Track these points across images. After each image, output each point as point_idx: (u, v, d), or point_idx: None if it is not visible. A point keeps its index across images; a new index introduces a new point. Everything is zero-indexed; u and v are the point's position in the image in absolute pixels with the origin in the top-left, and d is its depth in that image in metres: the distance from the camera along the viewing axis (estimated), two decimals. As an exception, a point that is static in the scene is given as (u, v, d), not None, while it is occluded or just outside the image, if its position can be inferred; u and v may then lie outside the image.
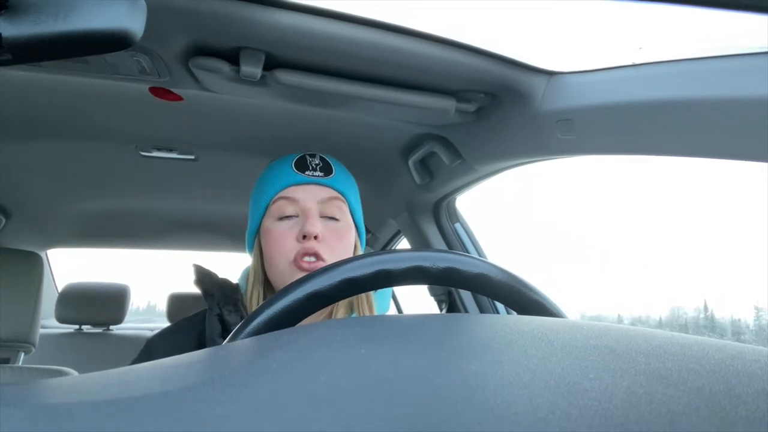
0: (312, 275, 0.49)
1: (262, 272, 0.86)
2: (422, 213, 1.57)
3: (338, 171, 0.88)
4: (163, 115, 1.18)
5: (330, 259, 0.81)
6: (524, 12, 0.86)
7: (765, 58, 0.65)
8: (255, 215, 0.87)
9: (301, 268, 0.79)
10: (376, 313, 0.88)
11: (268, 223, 0.84)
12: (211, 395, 0.23)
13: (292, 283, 0.49)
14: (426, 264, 0.51)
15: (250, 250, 0.90)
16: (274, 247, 0.82)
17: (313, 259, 0.80)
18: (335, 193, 0.85)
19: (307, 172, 0.85)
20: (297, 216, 0.84)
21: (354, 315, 0.86)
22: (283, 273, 0.81)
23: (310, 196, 0.84)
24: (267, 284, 0.87)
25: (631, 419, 0.20)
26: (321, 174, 0.85)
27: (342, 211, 0.86)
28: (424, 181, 1.40)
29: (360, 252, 0.91)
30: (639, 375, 0.24)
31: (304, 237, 0.80)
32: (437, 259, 0.52)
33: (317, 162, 0.87)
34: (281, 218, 0.83)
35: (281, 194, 0.84)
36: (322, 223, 0.83)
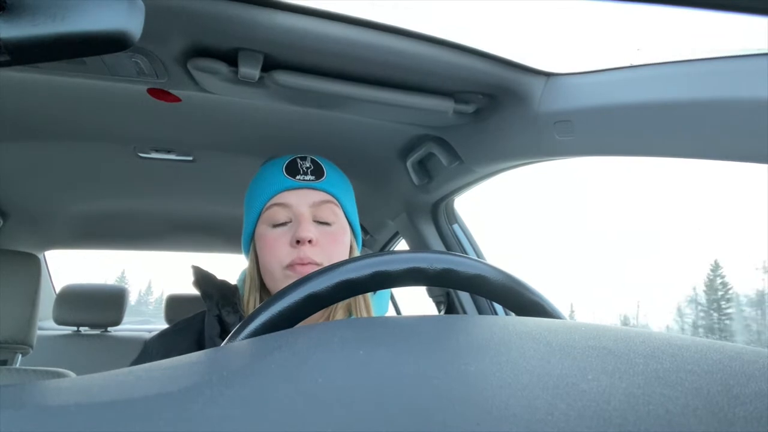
0: (309, 277, 0.49)
1: (258, 278, 0.86)
2: (420, 214, 1.57)
3: (330, 173, 0.87)
4: (161, 116, 1.18)
5: (325, 263, 0.81)
6: (522, 13, 0.86)
7: (763, 60, 0.66)
8: (249, 221, 0.87)
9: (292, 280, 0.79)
10: (374, 315, 0.88)
11: (262, 229, 0.84)
12: (210, 396, 0.23)
13: (290, 284, 0.49)
14: (423, 265, 0.51)
15: (247, 254, 0.90)
16: (268, 253, 0.82)
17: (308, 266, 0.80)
18: (327, 197, 0.85)
19: (298, 177, 0.84)
20: (290, 221, 0.83)
21: (352, 317, 0.86)
22: (278, 279, 0.81)
23: (302, 200, 0.83)
24: (264, 289, 0.87)
25: (630, 420, 0.20)
26: (312, 178, 0.85)
27: (335, 214, 0.85)
28: (422, 183, 1.40)
29: (356, 253, 0.91)
30: (637, 376, 0.24)
31: (298, 242, 0.80)
32: (434, 260, 0.52)
33: (308, 165, 0.86)
34: (274, 225, 0.83)
35: (273, 200, 0.83)
36: (316, 227, 0.83)
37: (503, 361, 0.26)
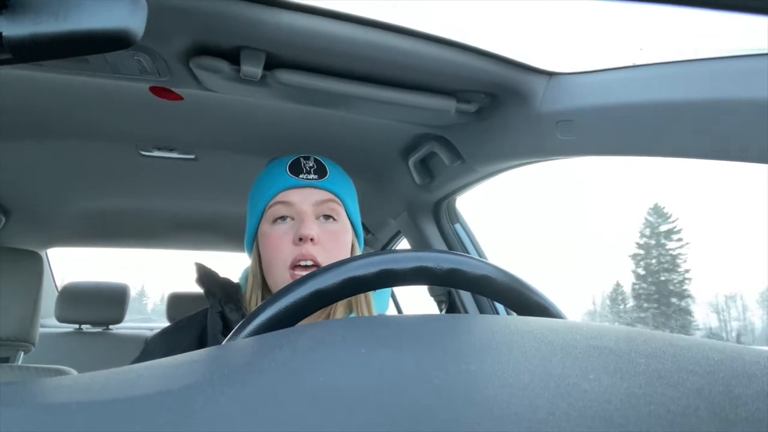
0: (316, 273, 0.49)
1: (260, 276, 0.86)
2: (422, 213, 1.57)
3: (333, 172, 0.88)
4: (163, 114, 1.18)
5: (327, 262, 0.81)
6: (525, 12, 0.86)
7: (765, 60, 0.65)
8: (252, 219, 0.88)
9: (295, 278, 0.79)
10: (374, 313, 0.88)
11: (265, 227, 0.85)
12: (211, 395, 0.23)
13: (297, 280, 0.49)
14: (431, 264, 0.51)
15: (249, 252, 0.91)
16: (271, 251, 0.83)
17: (310, 263, 0.80)
18: (330, 196, 0.85)
19: (301, 176, 0.85)
20: (293, 219, 0.84)
21: (353, 315, 0.86)
22: (279, 278, 0.81)
23: (304, 199, 0.84)
24: (266, 288, 0.87)
25: (631, 420, 0.20)
26: (315, 177, 0.85)
27: (338, 213, 0.86)
28: (424, 182, 1.40)
29: (358, 253, 0.91)
30: (638, 376, 0.24)
31: (300, 240, 0.80)
32: (442, 259, 0.52)
33: (311, 164, 0.87)
34: (277, 222, 0.84)
35: (276, 199, 0.84)
36: (318, 226, 0.83)
37: (505, 361, 0.26)
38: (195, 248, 2.68)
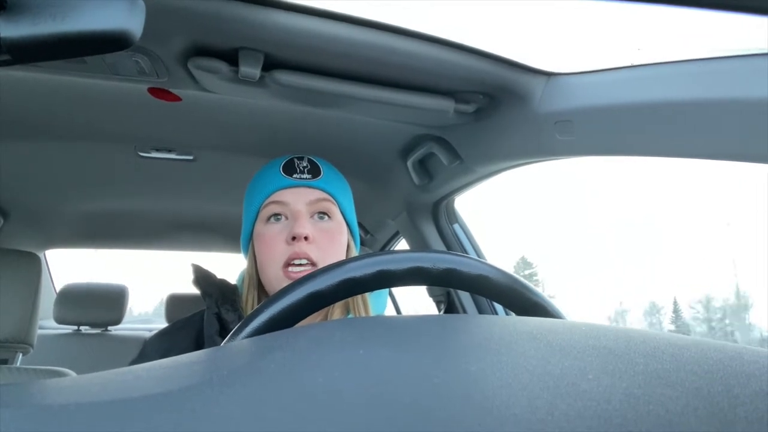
0: (312, 275, 0.49)
1: (256, 277, 0.86)
2: (421, 214, 1.57)
3: (327, 172, 0.88)
4: (161, 115, 1.18)
5: (321, 260, 0.81)
6: (523, 13, 0.86)
7: (764, 60, 0.66)
8: (247, 220, 0.88)
9: (288, 277, 0.79)
10: (372, 313, 0.88)
11: (260, 227, 0.85)
12: (210, 396, 0.23)
13: (293, 282, 0.49)
14: (426, 265, 0.51)
15: (245, 253, 0.91)
16: (265, 250, 0.83)
17: (304, 261, 0.80)
18: (324, 195, 0.86)
19: (294, 175, 0.85)
20: (287, 218, 0.84)
21: (350, 316, 0.86)
22: (274, 278, 0.81)
23: (298, 198, 0.84)
24: (261, 288, 0.87)
25: (630, 420, 0.20)
26: (309, 176, 0.86)
27: (332, 212, 0.86)
28: (422, 182, 1.40)
29: (354, 253, 0.91)
30: (637, 376, 0.24)
31: (294, 239, 0.80)
32: (437, 260, 0.52)
33: (305, 164, 0.87)
34: (271, 222, 0.84)
35: (270, 199, 0.84)
36: (313, 225, 0.83)
37: (504, 361, 0.26)
38: (194, 249, 2.67)
